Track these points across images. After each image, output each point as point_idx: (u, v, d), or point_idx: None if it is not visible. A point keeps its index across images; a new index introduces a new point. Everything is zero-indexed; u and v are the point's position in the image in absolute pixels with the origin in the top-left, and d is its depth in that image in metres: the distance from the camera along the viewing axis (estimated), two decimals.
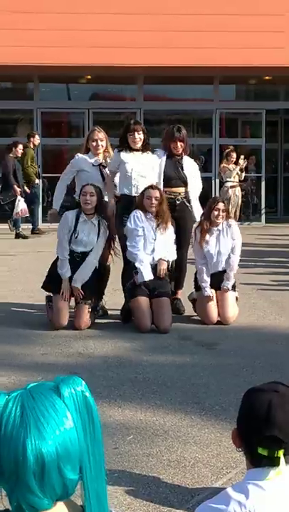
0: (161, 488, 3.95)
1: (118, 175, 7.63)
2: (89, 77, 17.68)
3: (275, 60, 15.42)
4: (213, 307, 7.41)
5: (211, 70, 16.02)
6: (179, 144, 7.80)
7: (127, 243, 7.27)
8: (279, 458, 2.07)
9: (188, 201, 7.91)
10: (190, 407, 5.11)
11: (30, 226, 15.36)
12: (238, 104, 18.69)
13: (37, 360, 6.25)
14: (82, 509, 1.60)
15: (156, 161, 7.74)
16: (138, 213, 7.22)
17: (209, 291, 7.35)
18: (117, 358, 6.33)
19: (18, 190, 14.29)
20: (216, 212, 7.37)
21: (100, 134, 7.69)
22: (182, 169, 7.85)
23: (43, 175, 17.03)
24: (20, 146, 14.47)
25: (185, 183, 7.85)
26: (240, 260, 7.73)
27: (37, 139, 15.18)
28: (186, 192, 7.91)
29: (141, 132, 7.45)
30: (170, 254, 7.38)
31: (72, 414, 1.55)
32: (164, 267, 7.23)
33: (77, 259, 7.24)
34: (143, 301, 7.15)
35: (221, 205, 7.45)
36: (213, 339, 6.93)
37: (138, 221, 7.21)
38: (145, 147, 7.51)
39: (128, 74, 16.63)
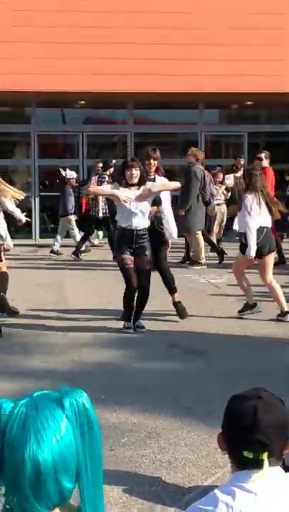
0: (154, 487, 3.97)
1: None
2: (83, 102, 17.73)
3: (257, 87, 15.53)
4: None
5: (196, 95, 16.11)
6: (152, 161, 7.81)
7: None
8: (263, 460, 2.07)
9: (160, 221, 7.92)
10: (180, 412, 5.14)
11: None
12: (221, 127, 18.78)
13: (36, 368, 6.26)
14: (79, 510, 1.59)
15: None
16: None
17: None
18: (110, 366, 6.34)
19: None
20: None
21: None
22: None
23: (40, 194, 17.09)
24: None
25: (157, 203, 7.80)
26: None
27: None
28: (159, 211, 7.92)
29: (138, 168, 7.45)
30: None
31: (71, 426, 1.55)
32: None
33: None
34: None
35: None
36: (199, 346, 6.95)
37: None
38: (141, 183, 7.49)
39: (119, 99, 16.71)
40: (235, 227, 8.46)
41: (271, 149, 14.95)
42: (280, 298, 8.00)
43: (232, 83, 15.33)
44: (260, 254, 7.81)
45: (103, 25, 15.08)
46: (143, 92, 15.48)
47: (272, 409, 2.13)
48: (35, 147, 17.22)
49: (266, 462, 2.08)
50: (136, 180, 7.43)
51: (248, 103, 17.82)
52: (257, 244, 7.75)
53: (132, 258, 7.44)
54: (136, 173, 7.41)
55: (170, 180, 8.25)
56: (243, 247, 7.91)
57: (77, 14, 15.09)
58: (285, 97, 15.98)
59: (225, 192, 14.74)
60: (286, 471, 2.14)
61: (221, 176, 14.82)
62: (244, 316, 8.17)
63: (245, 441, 2.09)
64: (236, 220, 8.40)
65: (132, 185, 7.45)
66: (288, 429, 2.16)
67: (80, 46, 14.99)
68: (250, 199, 7.76)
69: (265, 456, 2.09)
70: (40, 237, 16.78)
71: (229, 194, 14.88)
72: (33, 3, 14.96)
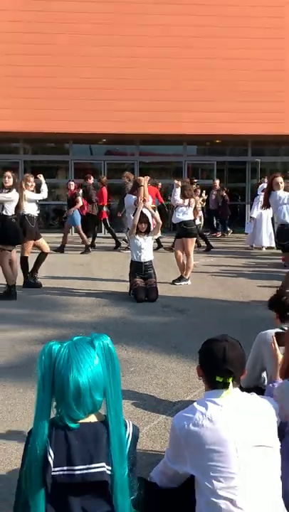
0: (152, 401, 3.94)
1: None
2: (104, 140, 17.61)
3: (224, 130, 15.43)
4: None
5: (181, 136, 15.99)
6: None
7: None
8: (229, 383, 2.07)
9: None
10: (170, 350, 5.11)
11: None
12: (199, 158, 18.64)
13: (72, 320, 6.23)
14: (105, 417, 1.64)
15: None
16: None
17: None
18: (123, 319, 6.31)
19: None
20: None
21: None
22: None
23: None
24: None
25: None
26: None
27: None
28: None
29: (146, 223, 7.34)
30: None
31: (100, 359, 1.59)
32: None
33: None
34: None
35: None
36: (185, 307, 6.90)
37: None
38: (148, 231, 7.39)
39: (129, 138, 16.59)
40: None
41: (233, 173, 14.86)
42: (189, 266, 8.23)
43: (206, 127, 15.20)
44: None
45: (116, 87, 14.93)
46: (146, 133, 15.38)
47: (235, 348, 2.13)
48: (72, 171, 17.13)
49: (231, 384, 2.08)
50: (144, 230, 7.33)
51: (217, 141, 17.69)
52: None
53: (143, 280, 7.27)
54: (145, 226, 7.33)
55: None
56: (184, 231, 8.23)
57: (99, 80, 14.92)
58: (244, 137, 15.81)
59: (201, 203, 14.52)
60: (242, 391, 2.12)
61: (199, 190, 14.68)
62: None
63: (218, 370, 2.08)
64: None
65: (142, 233, 7.34)
66: (245, 361, 2.18)
67: (101, 102, 14.86)
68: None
69: (230, 380, 2.08)
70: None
71: (204, 204, 14.60)
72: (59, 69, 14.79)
